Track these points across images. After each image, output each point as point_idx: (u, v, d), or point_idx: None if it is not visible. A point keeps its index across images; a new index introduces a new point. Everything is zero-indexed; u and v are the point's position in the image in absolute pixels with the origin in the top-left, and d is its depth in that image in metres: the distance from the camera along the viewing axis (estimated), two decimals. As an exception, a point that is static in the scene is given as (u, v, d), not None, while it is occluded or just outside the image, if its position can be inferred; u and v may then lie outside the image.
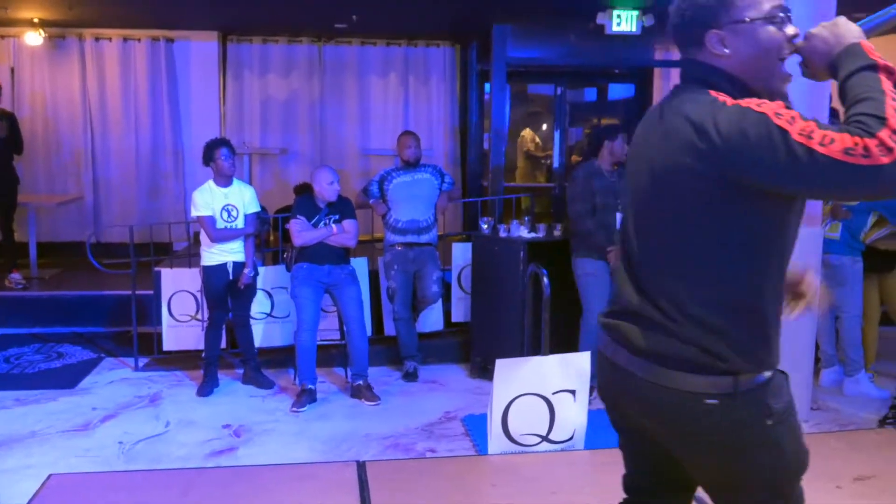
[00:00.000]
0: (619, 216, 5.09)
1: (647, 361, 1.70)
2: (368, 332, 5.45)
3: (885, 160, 1.38)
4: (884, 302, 5.47)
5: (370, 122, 8.74)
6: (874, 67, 1.50)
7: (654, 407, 1.73)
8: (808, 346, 4.68)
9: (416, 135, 5.87)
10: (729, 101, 1.58)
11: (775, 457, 1.70)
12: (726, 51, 1.69)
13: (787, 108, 1.51)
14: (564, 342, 4.95)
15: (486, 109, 8.09)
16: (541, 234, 5.52)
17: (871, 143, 1.39)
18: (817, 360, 5.15)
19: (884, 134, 1.39)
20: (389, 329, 5.93)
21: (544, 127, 9.19)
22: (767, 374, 1.69)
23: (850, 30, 1.58)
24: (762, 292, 1.67)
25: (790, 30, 1.68)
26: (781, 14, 1.67)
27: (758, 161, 1.49)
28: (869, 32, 1.63)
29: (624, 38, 6.69)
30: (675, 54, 7.99)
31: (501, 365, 3.84)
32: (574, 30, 6.95)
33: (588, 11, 6.50)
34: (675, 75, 8.30)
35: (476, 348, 5.71)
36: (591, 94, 9.20)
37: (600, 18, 6.52)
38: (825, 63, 1.60)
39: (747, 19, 1.67)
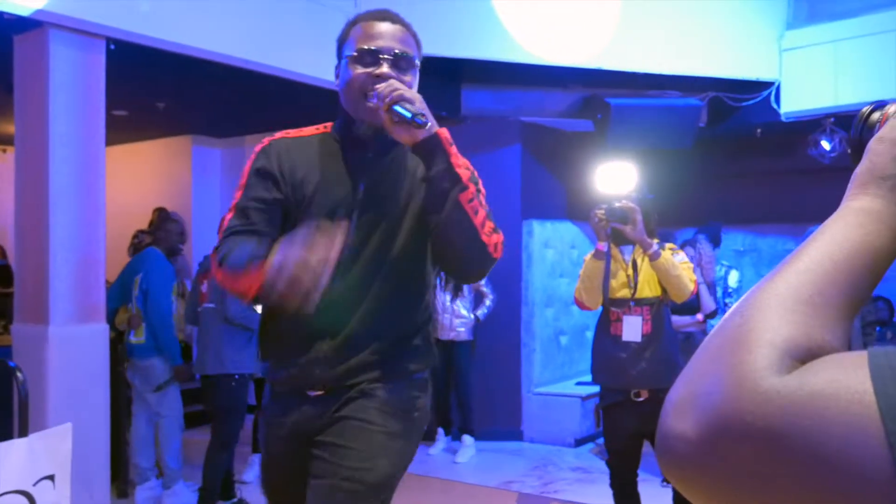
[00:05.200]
0: None
1: None
2: None
3: None
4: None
5: None
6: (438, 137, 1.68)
7: None
8: (102, 465, 4.05)
9: None
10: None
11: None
12: (337, 81, 1.82)
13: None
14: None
15: None
16: None
17: None
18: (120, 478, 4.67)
19: None
20: None
21: None
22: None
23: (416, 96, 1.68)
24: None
25: (379, 70, 1.72)
26: (370, 56, 1.74)
27: None
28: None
29: None
30: None
31: None
32: None
33: None
34: None
35: None
36: None
37: None
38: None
39: (344, 56, 1.79)
